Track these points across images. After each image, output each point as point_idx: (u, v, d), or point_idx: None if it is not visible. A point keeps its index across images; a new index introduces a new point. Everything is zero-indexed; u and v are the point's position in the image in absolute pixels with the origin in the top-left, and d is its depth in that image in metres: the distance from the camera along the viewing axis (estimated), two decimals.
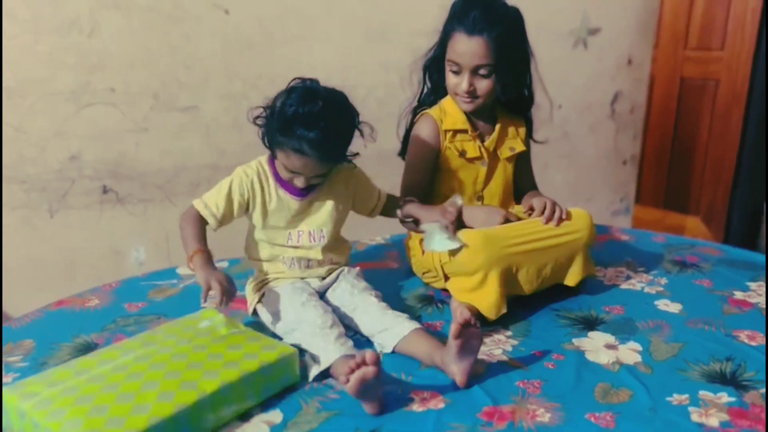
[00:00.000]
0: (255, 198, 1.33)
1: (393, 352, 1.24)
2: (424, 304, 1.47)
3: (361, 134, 1.33)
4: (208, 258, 1.24)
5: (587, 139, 2.89)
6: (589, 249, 1.49)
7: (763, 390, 1.16)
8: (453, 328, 1.10)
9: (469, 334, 1.11)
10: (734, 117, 3.05)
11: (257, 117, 1.29)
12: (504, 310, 1.35)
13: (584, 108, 2.83)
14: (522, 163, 1.62)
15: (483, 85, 1.44)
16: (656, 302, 1.49)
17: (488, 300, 1.34)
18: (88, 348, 1.27)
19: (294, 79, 1.29)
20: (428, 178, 1.52)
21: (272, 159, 1.33)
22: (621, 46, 2.86)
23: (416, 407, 1.10)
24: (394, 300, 1.40)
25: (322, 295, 1.37)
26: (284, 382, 1.14)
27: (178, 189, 2.30)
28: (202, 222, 1.30)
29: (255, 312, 1.38)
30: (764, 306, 1.46)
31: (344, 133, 1.28)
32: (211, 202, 1.31)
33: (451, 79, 1.46)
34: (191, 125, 2.27)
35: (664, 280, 1.60)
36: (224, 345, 1.15)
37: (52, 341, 1.29)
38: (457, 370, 1.12)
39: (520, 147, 1.57)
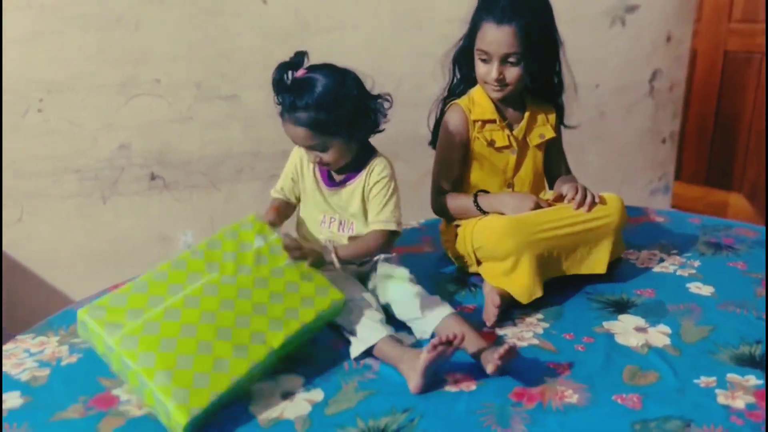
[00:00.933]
0: (298, 177, 1.43)
1: (432, 336, 1.30)
2: (458, 287, 1.52)
3: (373, 106, 1.34)
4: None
5: (625, 119, 2.86)
6: (620, 232, 1.51)
7: None
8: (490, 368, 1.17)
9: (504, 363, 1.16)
10: None
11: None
12: (538, 294, 1.39)
13: (622, 88, 2.80)
14: (553, 149, 1.64)
15: (512, 73, 1.47)
16: (688, 285, 1.51)
17: (520, 284, 1.38)
18: None
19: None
20: (458, 168, 1.57)
21: None
22: (660, 23, 2.82)
23: (449, 388, 1.16)
24: (428, 283, 1.45)
25: (361, 282, 1.43)
26: (330, 320, 1.29)
27: (222, 175, 2.39)
28: (276, 200, 1.48)
29: None
30: None
31: (328, 97, 1.27)
32: (279, 183, 1.48)
33: (480, 68, 1.49)
34: (232, 114, 2.34)
35: (697, 263, 1.62)
36: (282, 282, 1.25)
37: None
38: (490, 359, 1.17)
39: (549, 133, 1.59)
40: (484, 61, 1.48)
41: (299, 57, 1.34)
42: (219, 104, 2.31)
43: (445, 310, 1.29)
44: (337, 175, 1.41)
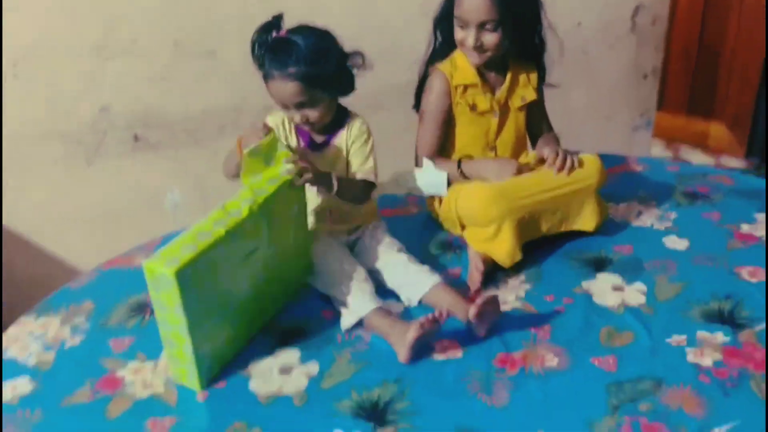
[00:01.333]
0: (283, 139, 1.42)
1: (419, 304, 1.36)
2: (444, 250, 1.57)
3: (345, 60, 1.36)
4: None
5: (607, 56, 2.85)
6: (599, 193, 1.55)
7: (758, 328, 1.26)
8: (472, 311, 1.23)
9: (486, 309, 1.23)
10: (762, 20, 2.97)
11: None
12: (518, 257, 1.45)
13: (605, 25, 2.78)
14: (535, 108, 1.66)
15: (490, 39, 1.47)
16: (664, 239, 1.57)
17: (503, 249, 1.44)
18: (142, 307, 1.41)
19: None
20: (442, 132, 1.58)
21: None
22: None
23: (437, 356, 1.23)
24: (415, 247, 1.51)
25: (350, 250, 1.47)
26: None
27: (206, 132, 2.39)
28: None
29: None
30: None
31: (315, 52, 1.30)
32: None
33: (458, 34, 1.49)
34: (212, 71, 2.32)
35: (673, 214, 1.67)
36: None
37: (109, 302, 1.43)
38: (480, 329, 1.25)
39: (531, 96, 1.61)
40: (461, 27, 1.48)
41: (278, 18, 1.36)
42: (198, 61, 2.28)
43: (432, 279, 1.35)
44: (317, 137, 1.44)
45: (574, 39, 2.72)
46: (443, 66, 1.57)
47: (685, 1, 3.24)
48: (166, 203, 2.42)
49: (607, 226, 1.62)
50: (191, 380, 1.18)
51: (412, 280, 1.37)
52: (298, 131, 1.44)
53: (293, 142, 1.44)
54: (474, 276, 1.40)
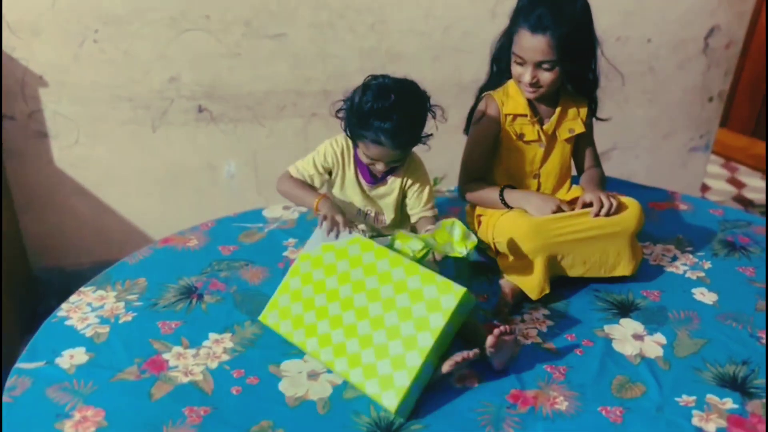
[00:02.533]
0: (336, 169, 1.52)
1: None
2: (477, 272, 1.64)
3: (434, 116, 1.45)
4: (330, 200, 1.47)
5: (674, 75, 2.80)
6: (635, 237, 1.59)
7: None
8: (489, 341, 1.28)
9: (503, 341, 1.29)
10: None
11: (339, 110, 1.43)
12: (547, 291, 1.51)
13: (676, 43, 2.73)
14: (582, 142, 1.68)
15: (546, 77, 1.50)
16: (694, 290, 1.60)
17: (533, 282, 1.50)
18: (190, 290, 1.53)
19: (368, 76, 1.41)
20: (487, 156, 1.63)
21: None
22: None
23: (455, 383, 1.32)
24: (449, 265, 1.58)
25: None
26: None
27: (266, 111, 2.48)
28: (300, 180, 1.52)
29: None
30: None
31: (417, 120, 1.42)
32: (303, 168, 1.52)
33: (515, 69, 1.53)
34: (279, 52, 2.39)
35: (708, 264, 1.69)
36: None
37: (160, 281, 1.56)
38: (496, 362, 1.32)
39: (579, 128, 1.63)
40: (519, 63, 1.51)
41: (389, 80, 1.40)
42: (267, 42, 2.36)
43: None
44: (376, 171, 1.51)
45: (642, 55, 2.70)
46: (496, 93, 1.61)
47: (764, 25, 3.15)
48: (225, 174, 2.54)
49: (641, 268, 1.65)
50: (391, 402, 1.23)
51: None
52: (357, 163, 1.51)
53: (351, 173, 1.51)
54: (502, 307, 1.47)
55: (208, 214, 2.08)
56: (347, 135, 1.46)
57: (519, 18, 1.48)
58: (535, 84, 1.51)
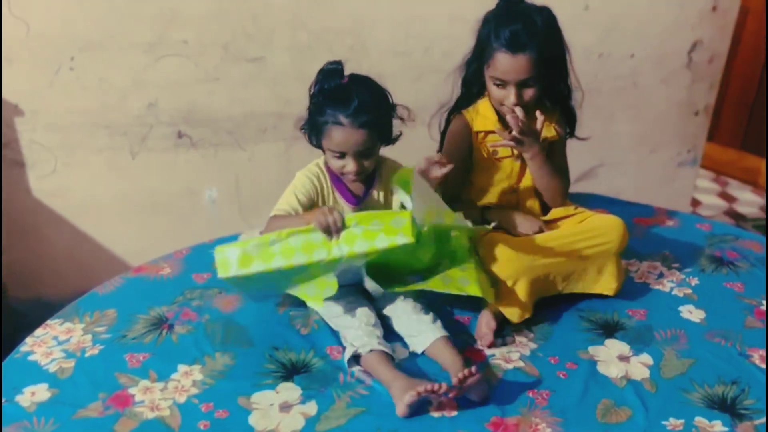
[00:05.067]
0: (317, 198, 1.46)
1: (422, 354, 1.39)
2: (458, 296, 1.59)
3: (396, 114, 1.42)
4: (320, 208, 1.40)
5: (658, 89, 2.78)
6: (620, 256, 1.55)
7: (758, 421, 1.25)
8: (454, 381, 1.23)
9: (470, 383, 1.24)
10: None
11: (303, 124, 1.42)
12: (528, 315, 1.46)
13: (659, 58, 2.71)
14: (553, 152, 1.62)
15: (529, 94, 1.48)
16: (681, 308, 1.56)
17: (514, 305, 1.45)
18: (161, 321, 1.48)
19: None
20: (461, 176, 1.59)
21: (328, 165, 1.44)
22: None
23: (433, 412, 1.26)
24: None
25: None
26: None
27: (247, 135, 2.45)
28: (286, 215, 1.43)
29: None
30: None
31: (377, 101, 1.37)
32: (285, 204, 1.43)
33: (495, 92, 1.50)
34: (258, 75, 2.37)
35: (695, 281, 1.65)
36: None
37: (131, 312, 1.51)
38: (472, 396, 1.27)
39: (550, 133, 1.57)
40: (498, 86, 1.48)
41: (341, 65, 1.39)
42: (245, 65, 2.33)
43: (435, 333, 1.38)
44: (356, 189, 1.46)
45: (625, 69, 2.68)
46: (466, 112, 1.58)
47: (749, 38, 3.14)
48: (206, 199, 2.50)
49: (626, 286, 1.60)
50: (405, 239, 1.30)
51: (415, 330, 1.40)
52: (336, 186, 1.46)
53: (331, 199, 1.46)
54: (483, 332, 1.42)
55: (189, 240, 2.04)
56: (312, 143, 1.43)
57: (490, 39, 1.45)
58: (519, 102, 1.47)
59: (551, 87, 1.55)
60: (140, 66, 2.23)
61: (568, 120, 1.64)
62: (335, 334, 1.44)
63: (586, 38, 2.45)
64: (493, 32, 1.44)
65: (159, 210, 2.46)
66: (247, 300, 1.53)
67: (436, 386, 1.21)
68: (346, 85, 1.35)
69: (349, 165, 1.39)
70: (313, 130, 1.40)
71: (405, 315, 1.42)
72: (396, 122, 1.45)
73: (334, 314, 1.43)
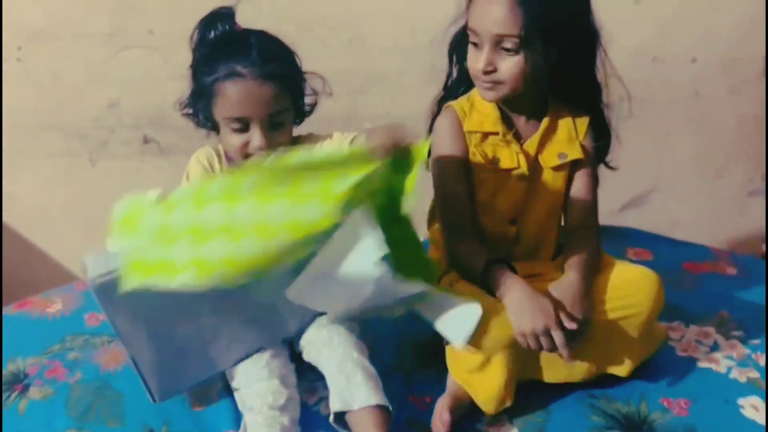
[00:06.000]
0: None
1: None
2: (424, 360, 1.18)
3: (314, 91, 1.17)
4: None
5: (726, 101, 2.39)
6: (652, 325, 1.10)
7: None
8: None
9: None
10: None
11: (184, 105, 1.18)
12: (508, 404, 1.04)
13: (727, 63, 2.31)
14: (577, 178, 1.18)
15: (507, 66, 1.04)
16: (741, 401, 1.10)
17: (489, 388, 1.03)
18: (16, 379, 1.15)
19: None
20: (465, 188, 1.15)
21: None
22: None
23: None
24: (386, 348, 1.14)
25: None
26: None
27: None
28: None
29: None
30: None
31: (281, 51, 1.13)
32: None
33: (470, 57, 1.09)
34: None
35: (765, 359, 1.19)
36: None
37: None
38: None
39: (575, 153, 1.15)
40: (474, 45, 1.07)
41: (230, 9, 1.17)
42: None
43: (371, 399, 0.99)
44: None
45: (685, 77, 2.30)
46: (457, 103, 1.16)
47: None
48: None
49: (661, 361, 1.17)
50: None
51: (352, 391, 1.01)
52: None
53: None
54: (435, 426, 1.00)
55: None
56: (200, 123, 1.20)
57: None
58: (490, 73, 1.06)
59: (569, 76, 1.12)
60: (98, 59, 2.00)
61: (598, 133, 1.20)
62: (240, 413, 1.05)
63: (637, 38, 2.13)
64: None
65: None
66: None
67: None
68: (242, 31, 1.11)
69: (255, 138, 1.06)
70: (200, 98, 1.12)
71: (340, 370, 1.04)
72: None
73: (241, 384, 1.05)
